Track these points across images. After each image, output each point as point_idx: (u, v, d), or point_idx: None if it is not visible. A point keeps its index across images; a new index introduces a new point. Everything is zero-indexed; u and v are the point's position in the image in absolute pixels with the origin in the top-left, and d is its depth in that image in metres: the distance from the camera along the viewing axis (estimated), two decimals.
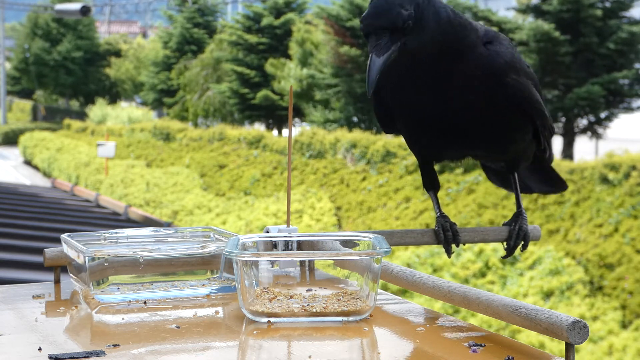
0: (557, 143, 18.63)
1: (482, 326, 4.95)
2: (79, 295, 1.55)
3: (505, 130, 1.74)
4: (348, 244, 1.55)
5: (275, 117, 24.76)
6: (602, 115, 16.73)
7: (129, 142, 23.73)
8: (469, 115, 1.69)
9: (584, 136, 17.31)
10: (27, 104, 40.93)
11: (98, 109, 31.82)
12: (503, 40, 1.73)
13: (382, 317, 1.41)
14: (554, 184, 2.09)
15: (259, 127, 25.38)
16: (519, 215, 1.82)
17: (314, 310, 1.37)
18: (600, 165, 11.80)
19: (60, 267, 1.65)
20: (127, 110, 31.68)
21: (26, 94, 42.40)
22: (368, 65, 1.55)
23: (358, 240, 1.53)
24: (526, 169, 1.96)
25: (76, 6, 19.69)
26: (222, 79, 26.13)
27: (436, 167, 1.87)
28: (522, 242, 1.81)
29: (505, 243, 1.81)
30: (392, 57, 1.56)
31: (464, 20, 1.68)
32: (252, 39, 25.03)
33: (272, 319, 1.36)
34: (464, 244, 1.77)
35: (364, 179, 15.08)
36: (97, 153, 19.77)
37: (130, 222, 7.87)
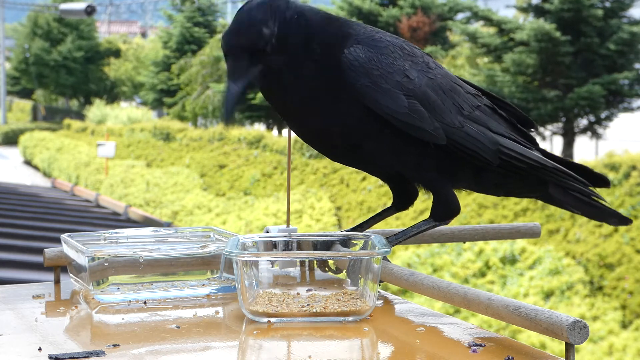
0: (557, 143, 18.64)
1: (482, 326, 4.95)
2: (79, 295, 1.55)
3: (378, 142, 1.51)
4: (348, 243, 1.54)
5: (276, 117, 24.76)
6: (602, 115, 16.73)
7: (129, 142, 23.71)
8: (339, 130, 1.50)
9: (584, 136, 17.30)
10: (27, 104, 40.90)
11: (97, 109, 31.80)
12: (378, 42, 1.50)
13: (382, 317, 1.41)
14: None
15: (259, 127, 25.37)
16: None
17: (314, 310, 1.37)
18: (600, 165, 11.79)
19: (60, 267, 1.65)
20: (126, 111, 31.65)
21: (26, 94, 42.36)
22: (224, 93, 1.42)
23: (358, 240, 1.53)
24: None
25: (81, 6, 19.60)
26: (222, 79, 26.12)
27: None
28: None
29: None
30: (251, 82, 1.42)
31: (336, 29, 1.49)
32: None
33: (272, 319, 1.36)
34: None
35: (364, 178, 15.07)
36: (97, 153, 19.76)
37: (130, 222, 7.87)
